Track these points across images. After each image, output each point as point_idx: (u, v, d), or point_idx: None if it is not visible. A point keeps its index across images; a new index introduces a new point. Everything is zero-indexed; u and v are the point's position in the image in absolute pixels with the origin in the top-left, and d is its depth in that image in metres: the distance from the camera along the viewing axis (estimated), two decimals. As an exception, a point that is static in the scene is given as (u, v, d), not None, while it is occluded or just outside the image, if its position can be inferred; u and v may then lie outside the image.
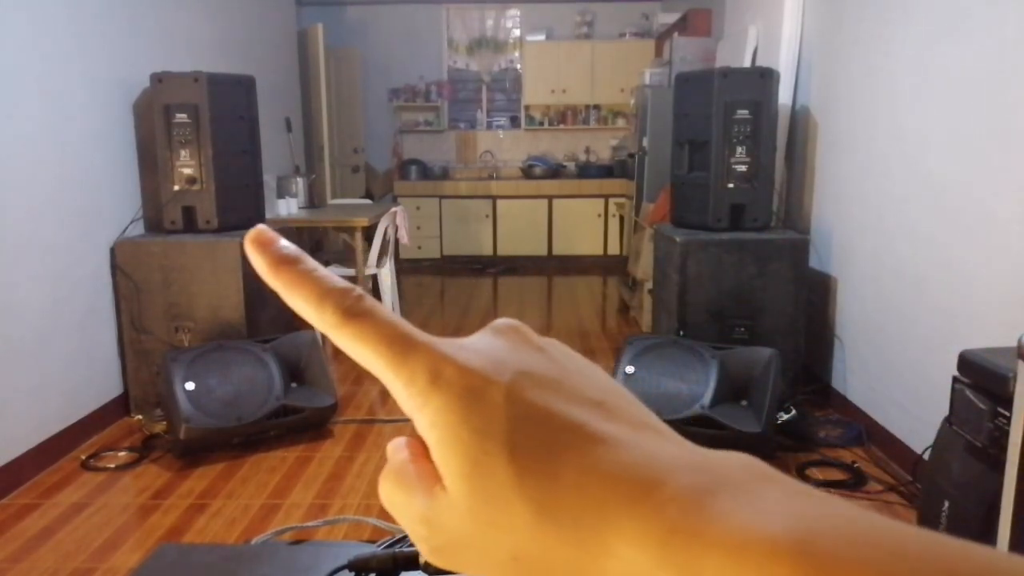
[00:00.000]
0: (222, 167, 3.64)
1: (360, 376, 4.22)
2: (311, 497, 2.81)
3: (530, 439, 0.22)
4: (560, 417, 0.23)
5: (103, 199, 3.55)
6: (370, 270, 5.04)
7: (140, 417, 3.52)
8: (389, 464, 0.26)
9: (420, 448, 0.25)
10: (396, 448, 0.26)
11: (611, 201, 7.55)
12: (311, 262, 0.26)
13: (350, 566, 0.64)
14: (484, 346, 0.25)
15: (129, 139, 3.79)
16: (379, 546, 0.73)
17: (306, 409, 3.24)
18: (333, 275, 0.26)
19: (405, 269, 7.45)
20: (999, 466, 1.70)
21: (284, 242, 0.26)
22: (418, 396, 0.24)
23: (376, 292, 5.34)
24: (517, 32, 8.02)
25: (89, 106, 3.45)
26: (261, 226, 0.27)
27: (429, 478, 0.24)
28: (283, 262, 0.26)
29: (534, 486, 0.22)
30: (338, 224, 5.01)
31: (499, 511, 0.22)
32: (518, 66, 8.08)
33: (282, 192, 5.40)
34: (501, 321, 0.27)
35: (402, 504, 0.25)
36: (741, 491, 0.20)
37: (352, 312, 0.25)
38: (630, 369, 3.14)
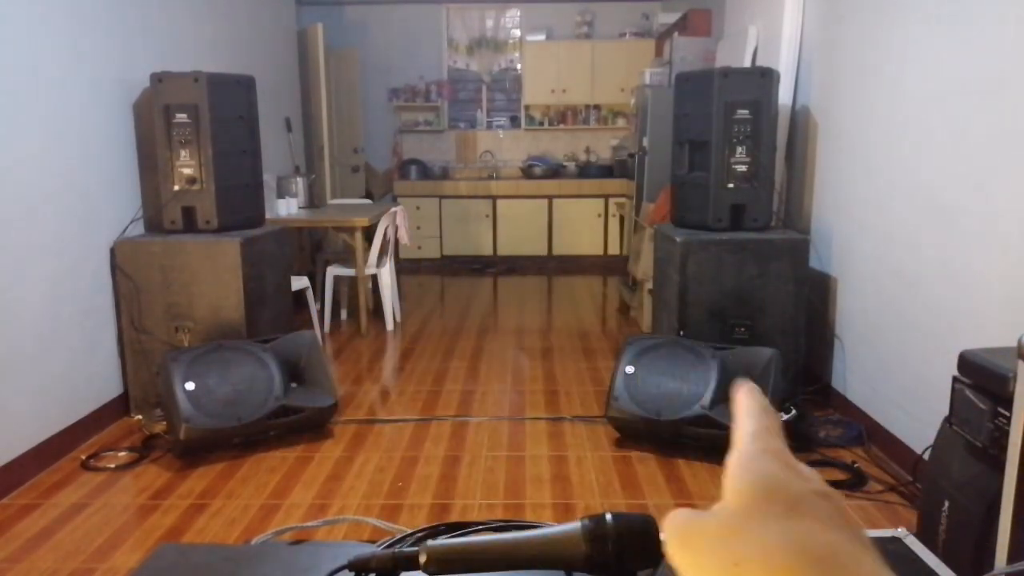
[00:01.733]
0: (222, 167, 3.64)
1: (360, 376, 4.22)
2: (311, 497, 2.81)
3: None
4: None
5: (103, 199, 3.55)
6: (370, 270, 5.04)
7: (140, 417, 3.52)
8: None
9: None
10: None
11: (611, 201, 7.55)
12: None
13: (350, 566, 0.64)
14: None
15: (129, 139, 3.79)
16: (379, 546, 0.73)
17: (306, 409, 3.24)
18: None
19: (405, 269, 7.45)
20: (999, 466, 1.70)
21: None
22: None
23: (376, 292, 5.35)
24: (517, 32, 8.02)
25: (89, 106, 3.45)
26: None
27: None
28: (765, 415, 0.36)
29: None
30: (338, 224, 5.01)
31: None
32: (518, 66, 8.08)
33: (282, 192, 5.41)
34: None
35: None
36: None
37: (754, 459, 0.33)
38: (630, 369, 3.13)
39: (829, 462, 3.02)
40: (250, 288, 3.58)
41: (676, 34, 5.83)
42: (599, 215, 7.64)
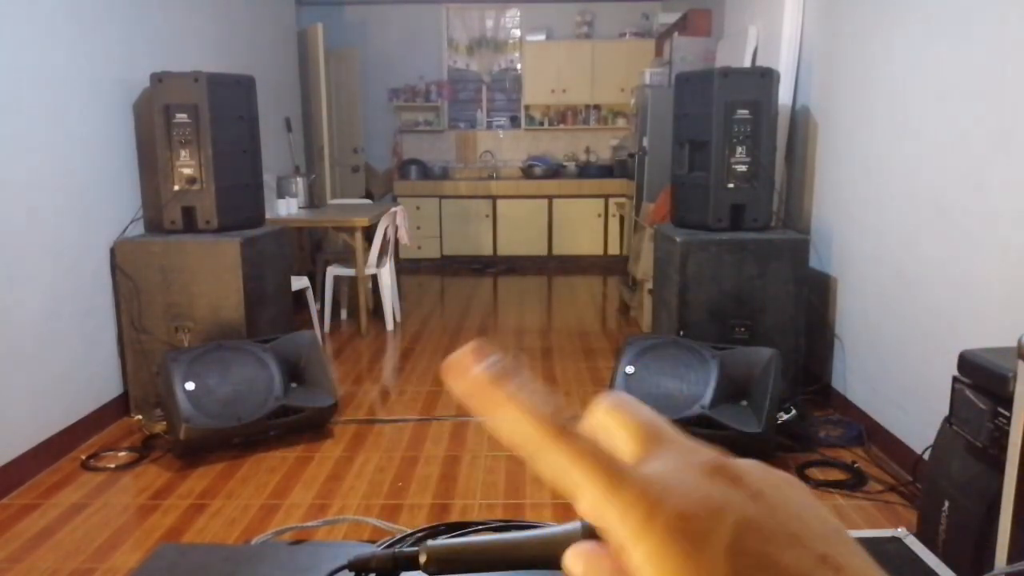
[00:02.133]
0: (222, 167, 3.64)
1: (360, 376, 4.22)
2: (311, 497, 2.81)
3: None
4: (786, 572, 0.22)
5: (103, 199, 3.55)
6: (370, 270, 5.04)
7: (140, 417, 3.52)
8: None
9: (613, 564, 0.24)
10: (586, 558, 0.25)
11: (611, 201, 7.55)
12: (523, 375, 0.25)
13: (350, 566, 0.64)
14: (695, 486, 0.23)
15: (129, 139, 3.79)
16: (379, 546, 0.73)
17: (306, 409, 3.24)
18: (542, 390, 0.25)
19: (405, 269, 7.45)
20: (999, 466, 1.70)
21: (492, 359, 0.26)
22: (631, 531, 0.22)
23: (376, 292, 5.35)
24: (517, 32, 8.02)
25: (89, 106, 3.45)
26: (464, 351, 0.26)
27: None
28: (495, 381, 0.25)
29: None
30: (338, 224, 5.01)
31: None
32: (518, 66, 8.08)
33: (282, 192, 5.41)
34: (710, 458, 0.25)
35: None
36: None
37: (569, 429, 0.24)
38: (630, 369, 3.13)
39: (829, 462, 3.02)
40: (250, 288, 3.58)
41: (676, 34, 5.83)
42: (599, 215, 7.64)
